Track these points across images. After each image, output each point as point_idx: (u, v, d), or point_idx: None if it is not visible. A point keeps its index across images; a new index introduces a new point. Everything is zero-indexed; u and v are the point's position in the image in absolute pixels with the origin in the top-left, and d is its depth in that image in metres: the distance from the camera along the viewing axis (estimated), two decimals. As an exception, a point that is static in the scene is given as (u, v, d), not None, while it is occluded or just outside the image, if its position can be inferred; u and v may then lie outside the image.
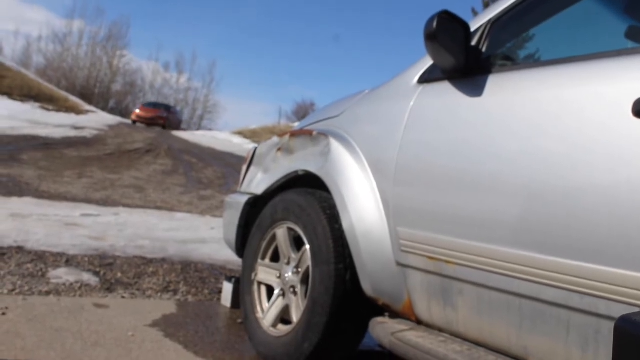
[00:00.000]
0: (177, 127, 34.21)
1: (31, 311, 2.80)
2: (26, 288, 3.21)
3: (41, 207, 6.16)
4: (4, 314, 2.70)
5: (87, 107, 31.20)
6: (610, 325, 1.40)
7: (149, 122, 31.00)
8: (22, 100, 25.15)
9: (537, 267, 1.57)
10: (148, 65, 66.17)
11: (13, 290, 3.14)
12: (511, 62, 2.11)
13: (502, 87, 1.86)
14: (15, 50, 50.61)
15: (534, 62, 2.07)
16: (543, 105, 1.68)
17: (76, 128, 20.09)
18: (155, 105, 35.75)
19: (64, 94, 32.86)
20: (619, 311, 1.32)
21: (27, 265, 3.66)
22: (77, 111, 27.78)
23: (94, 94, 48.63)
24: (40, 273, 3.55)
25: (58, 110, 26.31)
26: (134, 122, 31.24)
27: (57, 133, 17.40)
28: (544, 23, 2.13)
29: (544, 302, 1.58)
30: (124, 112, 45.17)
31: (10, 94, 25.00)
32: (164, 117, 32.36)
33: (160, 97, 56.58)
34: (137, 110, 33.13)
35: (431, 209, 1.97)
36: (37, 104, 25.78)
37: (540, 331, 1.61)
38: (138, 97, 56.31)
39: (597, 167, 1.48)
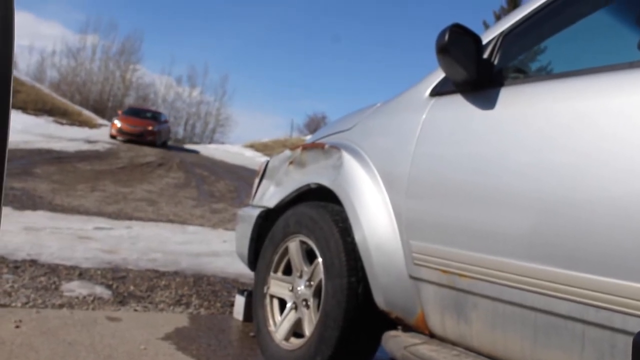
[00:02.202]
0: (165, 142, 25.66)
1: (44, 324, 2.81)
2: (39, 301, 3.22)
3: (54, 221, 6.19)
4: (17, 326, 2.71)
5: (100, 120, 31.44)
6: (627, 339, 1.38)
7: (135, 139, 22.69)
8: (36, 114, 25.41)
9: (551, 281, 1.56)
10: (160, 79, 66.80)
11: (27, 303, 3.16)
12: (523, 74, 2.11)
13: (514, 99, 1.86)
14: (29, 65, 51.11)
15: (546, 74, 2.07)
16: (556, 118, 1.68)
17: (89, 142, 20.23)
18: (140, 114, 25.75)
19: (77, 107, 33.18)
20: (634, 325, 1.31)
21: (40, 278, 3.68)
22: (90, 125, 28.04)
23: (107, 108, 48.90)
24: (53, 286, 3.57)
25: (71, 124, 26.55)
26: (113, 137, 23.03)
27: (71, 147, 17.52)
28: (555, 35, 2.12)
29: (559, 316, 1.57)
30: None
31: (24, 108, 25.24)
32: (154, 132, 23.62)
33: (172, 110, 56.84)
34: (117, 122, 23.45)
35: (444, 222, 1.96)
36: (50, 118, 26.05)
37: (555, 345, 1.59)
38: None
39: (611, 180, 1.47)
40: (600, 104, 1.58)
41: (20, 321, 2.79)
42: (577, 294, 1.50)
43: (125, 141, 22.37)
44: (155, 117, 26.43)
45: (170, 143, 27.61)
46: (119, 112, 26.50)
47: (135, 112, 25.99)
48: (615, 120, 1.52)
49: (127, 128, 22.99)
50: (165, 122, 27.15)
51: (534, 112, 1.76)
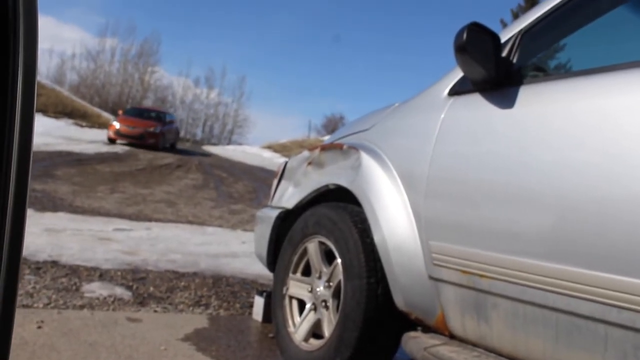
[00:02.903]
0: (174, 143, 23.81)
1: (66, 325, 2.83)
2: (61, 302, 3.25)
3: (75, 222, 6.24)
4: (39, 327, 2.74)
5: (119, 123, 31.61)
6: (650, 340, 1.37)
7: (135, 142, 20.36)
8: (56, 117, 25.68)
9: (573, 281, 1.55)
10: (178, 81, 66.93)
11: (48, 304, 3.19)
12: (542, 72, 2.09)
13: (534, 98, 1.85)
14: (49, 68, 51.43)
15: (566, 72, 2.05)
16: (577, 116, 1.66)
17: (108, 144, 20.37)
18: (143, 114, 22.98)
19: (96, 110, 33.48)
20: (659, 326, 1.30)
21: (61, 280, 3.71)
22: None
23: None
24: (74, 287, 3.60)
25: (91, 126, 26.80)
26: (112, 141, 20.67)
27: (90, 149, 17.66)
28: (575, 33, 2.10)
29: (581, 317, 1.55)
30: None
31: (45, 111, 25.51)
32: (156, 134, 21.02)
33: (191, 112, 57.09)
34: (115, 123, 21.00)
35: (463, 222, 1.95)
36: (70, 121, 26.30)
37: (577, 346, 1.58)
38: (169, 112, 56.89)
39: (633, 178, 1.45)
40: (622, 102, 1.56)
41: (42, 322, 2.82)
42: (599, 294, 1.48)
43: (125, 145, 20.12)
44: (160, 117, 23.35)
45: (188, 145, 27.31)
46: (120, 111, 24.26)
47: (137, 112, 23.30)
48: (637, 117, 1.50)
49: (126, 130, 20.41)
50: (171, 122, 24.15)
51: (554, 110, 1.75)
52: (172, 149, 22.78)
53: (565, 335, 1.60)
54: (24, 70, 0.54)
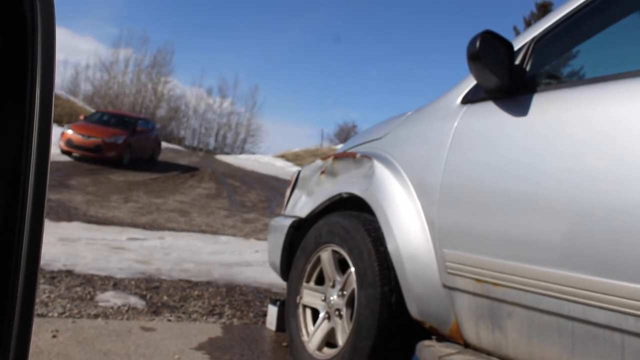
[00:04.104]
0: (153, 156, 18.96)
1: (80, 334, 2.84)
2: (75, 311, 3.27)
3: (89, 232, 6.28)
4: (54, 336, 2.75)
5: (132, 132, 31.73)
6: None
7: (92, 155, 15.52)
8: (70, 127, 25.81)
9: (588, 289, 1.54)
10: (192, 91, 67.40)
11: (63, 313, 3.20)
12: (556, 80, 2.08)
13: (548, 105, 1.84)
14: (64, 79, 51.80)
15: (580, 79, 2.04)
16: (591, 124, 1.66)
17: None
18: (106, 121, 17.84)
19: (110, 120, 33.53)
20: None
21: (76, 289, 3.73)
22: (123, 137, 28.35)
23: (139, 120, 49.48)
24: (88, 296, 3.61)
25: (105, 136, 26.89)
26: (66, 153, 15.64)
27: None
28: (588, 40, 2.10)
29: (597, 325, 1.54)
30: (168, 137, 45.79)
31: (59, 122, 25.64)
32: (117, 146, 15.94)
33: (204, 121, 57.26)
34: (69, 131, 15.70)
35: (477, 230, 1.95)
36: (84, 131, 26.39)
37: (593, 355, 1.56)
38: (182, 122, 57.10)
39: (649, 186, 1.44)
40: (636, 109, 1.55)
41: (57, 331, 2.83)
42: (615, 303, 1.47)
43: (79, 158, 15.59)
44: (129, 123, 17.81)
45: (201, 155, 26.39)
46: (81, 117, 19.42)
47: (99, 118, 18.28)
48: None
49: (79, 140, 15.51)
50: (145, 131, 18.11)
51: (568, 117, 1.74)
52: (149, 163, 17.89)
53: (582, 344, 1.59)
54: (41, 83, 0.54)
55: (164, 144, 23.02)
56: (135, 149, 16.85)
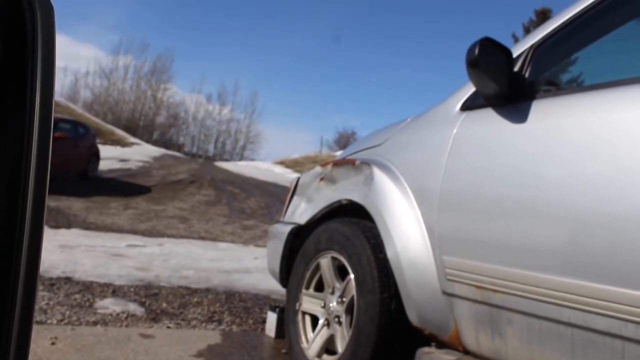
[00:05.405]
0: (84, 172, 14.20)
1: (79, 341, 2.84)
2: (74, 318, 3.26)
3: (88, 238, 6.28)
4: (53, 343, 2.74)
5: (132, 139, 31.81)
6: (668, 355, 1.35)
7: None
8: (69, 134, 25.77)
9: (588, 296, 1.54)
10: (191, 98, 67.13)
11: (62, 320, 3.20)
12: (555, 87, 2.09)
13: (547, 112, 1.84)
14: (64, 86, 51.72)
15: (579, 86, 2.04)
16: (590, 130, 1.66)
17: (122, 160, 20.51)
18: None
19: (109, 127, 33.62)
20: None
21: (75, 296, 3.73)
22: (123, 144, 28.41)
23: (139, 127, 49.42)
24: (87, 303, 3.61)
25: (104, 143, 26.89)
26: None
27: (104, 165, 17.74)
28: (587, 47, 2.10)
29: (597, 332, 1.54)
30: (167, 144, 45.80)
31: (57, 128, 25.64)
32: None
33: (203, 128, 57.22)
34: None
35: (477, 237, 1.94)
36: (84, 138, 26.37)
37: (593, 362, 1.56)
38: (181, 128, 57.05)
39: (649, 193, 1.44)
40: (635, 116, 1.56)
41: (56, 338, 2.82)
42: (615, 310, 1.47)
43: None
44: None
45: (200, 161, 26.13)
46: None
47: None
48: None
49: None
50: (65, 138, 12.77)
51: (567, 124, 1.74)
52: (78, 182, 13.32)
53: (582, 350, 1.59)
54: (41, 88, 0.54)
55: (162, 150, 22.78)
56: (63, 158, 12.16)
